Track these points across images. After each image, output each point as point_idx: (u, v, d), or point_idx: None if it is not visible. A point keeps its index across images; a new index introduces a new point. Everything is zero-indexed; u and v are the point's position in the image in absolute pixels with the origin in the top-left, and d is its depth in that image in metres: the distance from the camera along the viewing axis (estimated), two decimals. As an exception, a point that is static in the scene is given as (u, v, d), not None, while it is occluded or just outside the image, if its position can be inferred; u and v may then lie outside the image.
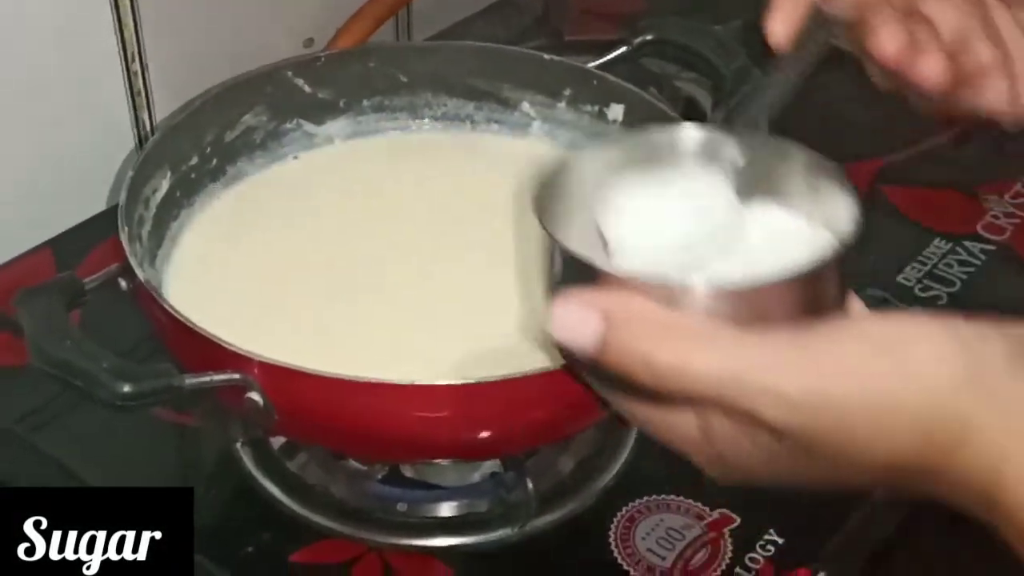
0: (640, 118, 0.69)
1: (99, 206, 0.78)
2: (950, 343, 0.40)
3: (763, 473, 0.43)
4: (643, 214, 0.47)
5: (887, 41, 0.58)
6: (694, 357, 0.40)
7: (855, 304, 0.44)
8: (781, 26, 0.58)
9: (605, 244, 0.46)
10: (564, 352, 0.44)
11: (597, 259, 0.44)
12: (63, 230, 0.76)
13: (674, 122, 0.50)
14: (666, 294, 0.41)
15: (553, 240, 0.44)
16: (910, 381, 0.39)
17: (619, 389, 0.44)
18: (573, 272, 0.43)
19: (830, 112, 0.91)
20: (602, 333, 0.41)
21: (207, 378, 0.52)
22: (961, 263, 0.76)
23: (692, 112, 0.84)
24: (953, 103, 0.60)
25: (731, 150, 0.48)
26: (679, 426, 0.43)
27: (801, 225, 0.46)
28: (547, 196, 0.46)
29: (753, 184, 0.47)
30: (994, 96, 0.59)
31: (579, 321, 0.41)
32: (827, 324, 0.41)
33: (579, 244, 0.44)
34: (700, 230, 0.46)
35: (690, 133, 0.48)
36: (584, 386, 0.47)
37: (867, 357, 0.40)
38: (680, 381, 0.40)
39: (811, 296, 0.42)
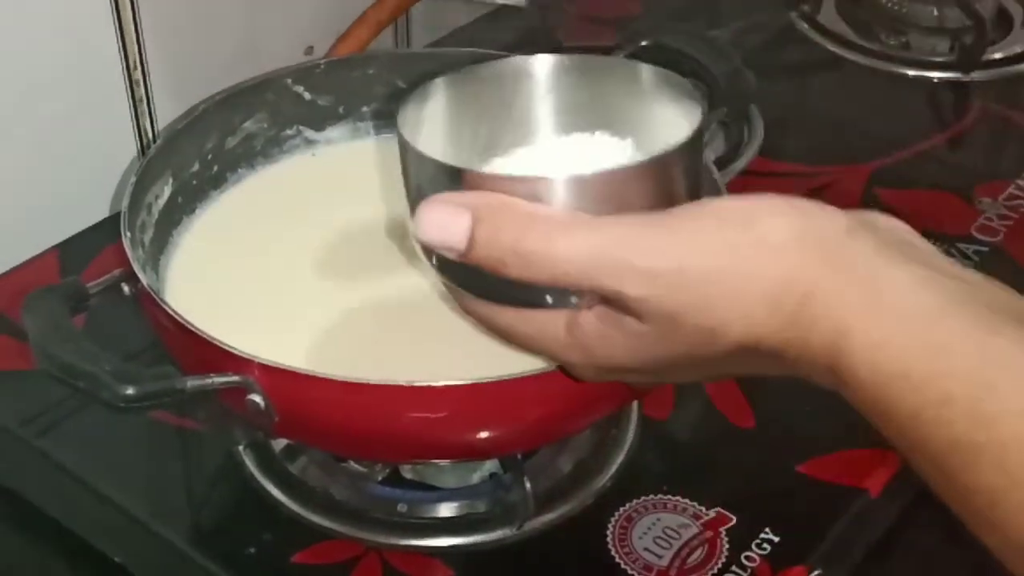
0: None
1: (102, 213, 0.78)
2: (797, 216, 0.41)
3: (632, 365, 0.45)
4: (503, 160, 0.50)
5: None
6: (559, 241, 0.42)
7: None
8: None
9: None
10: (432, 256, 0.45)
11: (463, 163, 0.46)
12: (67, 236, 0.77)
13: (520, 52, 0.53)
14: (527, 190, 0.43)
15: (417, 150, 0.46)
16: (760, 251, 0.41)
17: (486, 292, 0.46)
18: (436, 178, 0.45)
19: (825, 115, 0.92)
20: (469, 229, 0.43)
21: (208, 380, 0.52)
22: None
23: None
24: None
25: (576, 76, 0.51)
26: (546, 327, 0.45)
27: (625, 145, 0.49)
28: (411, 117, 0.49)
29: (601, 112, 0.50)
30: None
31: (447, 220, 0.43)
32: (684, 206, 0.43)
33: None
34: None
35: (542, 60, 0.51)
36: (450, 290, 0.48)
37: (720, 230, 0.42)
38: (548, 267, 0.42)
39: (664, 186, 0.44)
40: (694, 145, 0.46)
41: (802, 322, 0.40)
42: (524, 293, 0.44)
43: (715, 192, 0.60)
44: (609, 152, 0.49)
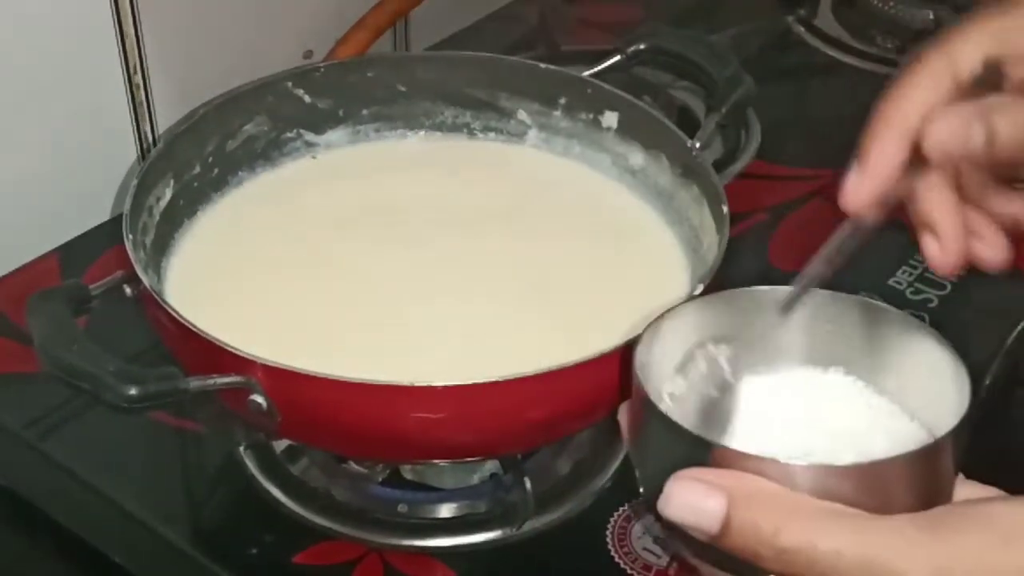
0: (634, 125, 0.70)
1: (103, 215, 0.79)
2: None
3: None
4: (750, 397, 0.46)
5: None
6: (822, 538, 0.38)
7: (968, 485, 0.42)
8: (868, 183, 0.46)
9: (706, 419, 0.45)
10: (676, 531, 0.41)
11: (711, 435, 0.42)
12: (69, 239, 0.77)
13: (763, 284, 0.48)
14: (783, 473, 0.39)
15: (662, 412, 0.42)
16: None
17: (732, 570, 0.42)
18: (681, 448, 0.41)
19: (822, 118, 0.93)
20: (725, 512, 0.39)
21: (211, 381, 0.52)
22: (952, 266, 0.77)
23: (686, 119, 0.85)
24: None
25: (828, 314, 0.47)
26: None
27: (896, 411, 0.45)
28: (646, 358, 0.45)
29: (846, 353, 0.47)
30: None
31: (699, 500, 0.40)
32: (953, 507, 0.40)
33: (679, 413, 0.43)
34: (805, 415, 0.45)
35: (779, 295, 0.47)
36: (694, 567, 0.45)
37: (997, 546, 0.39)
38: (808, 563, 0.39)
39: (926, 478, 0.41)
40: (962, 430, 0.41)
41: None
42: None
43: None
44: (841, 393, 0.46)
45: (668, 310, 0.47)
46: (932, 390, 0.44)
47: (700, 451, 0.41)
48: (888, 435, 0.44)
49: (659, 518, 0.42)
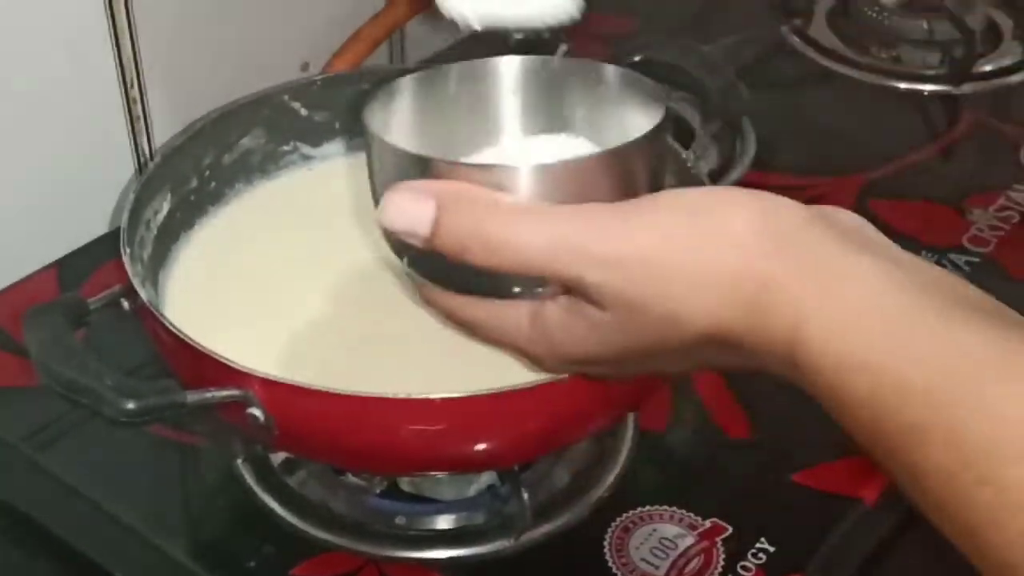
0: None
1: (101, 229, 0.79)
2: (757, 207, 0.42)
3: (594, 355, 0.45)
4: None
5: None
6: (521, 227, 0.43)
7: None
8: None
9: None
10: (397, 244, 0.46)
11: (427, 151, 0.46)
12: (66, 252, 0.77)
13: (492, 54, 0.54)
14: (492, 178, 0.44)
15: (384, 141, 0.46)
16: (720, 241, 0.41)
17: (451, 283, 0.46)
18: (403, 168, 0.45)
19: (817, 128, 0.93)
20: (434, 215, 0.43)
21: (208, 394, 0.52)
22: (947, 275, 0.77)
23: (682, 130, 0.85)
24: None
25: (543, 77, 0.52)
26: (509, 318, 0.46)
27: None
28: (379, 114, 0.49)
29: (566, 112, 0.51)
30: None
31: (411, 207, 0.44)
32: (645, 196, 0.44)
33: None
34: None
35: (506, 64, 0.52)
36: (415, 283, 0.49)
37: (680, 220, 0.42)
38: (510, 253, 0.42)
39: (626, 178, 0.45)
40: (655, 138, 0.46)
41: (760, 311, 0.41)
42: (489, 283, 0.45)
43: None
44: (573, 151, 0.50)
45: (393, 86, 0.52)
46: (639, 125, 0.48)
47: (419, 168, 0.45)
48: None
49: (387, 236, 0.46)
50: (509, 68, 0.53)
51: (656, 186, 0.47)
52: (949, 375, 0.38)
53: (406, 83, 0.52)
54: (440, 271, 0.46)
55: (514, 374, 0.52)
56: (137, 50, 0.78)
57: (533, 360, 0.48)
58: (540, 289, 0.45)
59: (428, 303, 0.50)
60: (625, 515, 0.62)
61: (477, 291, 0.46)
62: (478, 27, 0.56)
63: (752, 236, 0.41)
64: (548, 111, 0.52)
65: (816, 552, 0.60)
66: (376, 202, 0.47)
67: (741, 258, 0.41)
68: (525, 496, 0.60)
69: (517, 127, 0.53)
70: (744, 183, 0.83)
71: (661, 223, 0.42)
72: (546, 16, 0.57)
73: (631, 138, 0.46)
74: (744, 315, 0.41)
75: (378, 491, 0.63)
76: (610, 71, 0.51)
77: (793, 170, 0.86)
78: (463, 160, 0.47)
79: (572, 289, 0.44)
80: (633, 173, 0.45)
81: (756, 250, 0.41)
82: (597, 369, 0.48)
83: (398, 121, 0.51)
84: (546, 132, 0.52)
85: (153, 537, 0.61)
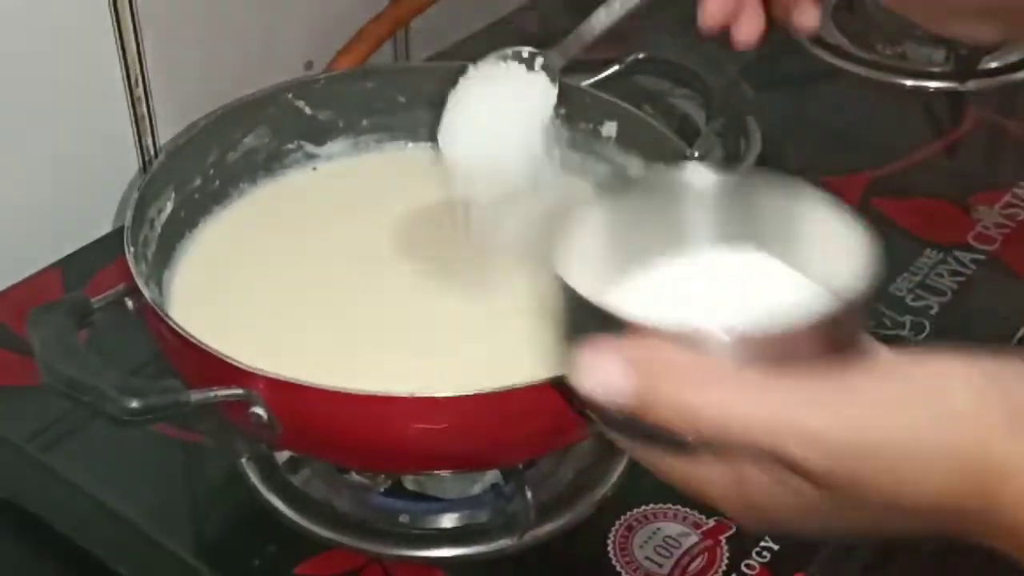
0: (634, 134, 0.70)
1: (105, 228, 0.79)
2: (988, 385, 0.39)
3: (799, 523, 0.42)
4: (657, 276, 0.46)
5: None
6: (736, 403, 0.39)
7: (872, 343, 0.42)
8: None
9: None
10: (587, 403, 0.41)
11: (622, 309, 0.42)
12: (70, 252, 0.77)
13: (680, 164, 0.50)
14: (693, 342, 0.40)
15: (572, 289, 0.43)
16: (955, 424, 0.38)
17: (644, 439, 0.43)
18: (593, 322, 0.41)
19: (822, 125, 0.93)
20: (636, 383, 0.39)
21: (212, 393, 0.52)
22: (952, 273, 0.77)
23: (687, 128, 0.85)
24: None
25: (738, 194, 0.48)
26: (710, 477, 0.42)
27: (805, 281, 0.46)
28: (562, 246, 0.45)
29: (758, 229, 0.47)
30: None
31: (609, 370, 0.40)
32: (859, 364, 0.40)
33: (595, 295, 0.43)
34: (712, 287, 0.46)
35: (696, 176, 0.48)
36: (601, 435, 0.45)
37: (906, 399, 0.39)
38: (722, 429, 0.39)
39: (835, 340, 0.41)
40: (872, 294, 0.42)
41: (996, 498, 0.39)
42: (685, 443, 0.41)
43: None
44: (751, 269, 0.47)
45: (577, 214, 0.48)
46: (842, 261, 0.44)
47: (609, 326, 0.41)
48: (797, 304, 0.44)
49: (574, 394, 0.42)
50: (700, 179, 0.48)
51: (859, 343, 0.42)
52: None
53: (591, 209, 0.48)
54: (632, 424, 0.42)
55: (518, 373, 0.52)
56: (141, 49, 0.78)
57: (731, 515, 0.44)
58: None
59: (626, 450, 0.46)
60: (629, 514, 0.62)
61: (671, 447, 0.42)
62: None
63: (988, 420, 0.39)
64: (739, 224, 0.48)
65: (820, 551, 0.60)
66: (564, 342, 0.44)
67: (980, 446, 0.38)
68: (529, 495, 0.60)
69: (705, 238, 0.48)
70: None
71: (885, 401, 0.39)
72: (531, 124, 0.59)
73: (834, 282, 0.43)
74: (982, 499, 0.39)
75: (382, 489, 0.63)
76: (807, 192, 0.47)
77: (798, 168, 0.85)
78: (663, 321, 0.41)
79: (782, 460, 0.40)
80: (844, 336, 0.42)
81: (995, 436, 0.39)
82: (800, 531, 0.44)
83: (581, 249, 0.47)
84: (734, 242, 0.47)
85: (157, 535, 0.61)
